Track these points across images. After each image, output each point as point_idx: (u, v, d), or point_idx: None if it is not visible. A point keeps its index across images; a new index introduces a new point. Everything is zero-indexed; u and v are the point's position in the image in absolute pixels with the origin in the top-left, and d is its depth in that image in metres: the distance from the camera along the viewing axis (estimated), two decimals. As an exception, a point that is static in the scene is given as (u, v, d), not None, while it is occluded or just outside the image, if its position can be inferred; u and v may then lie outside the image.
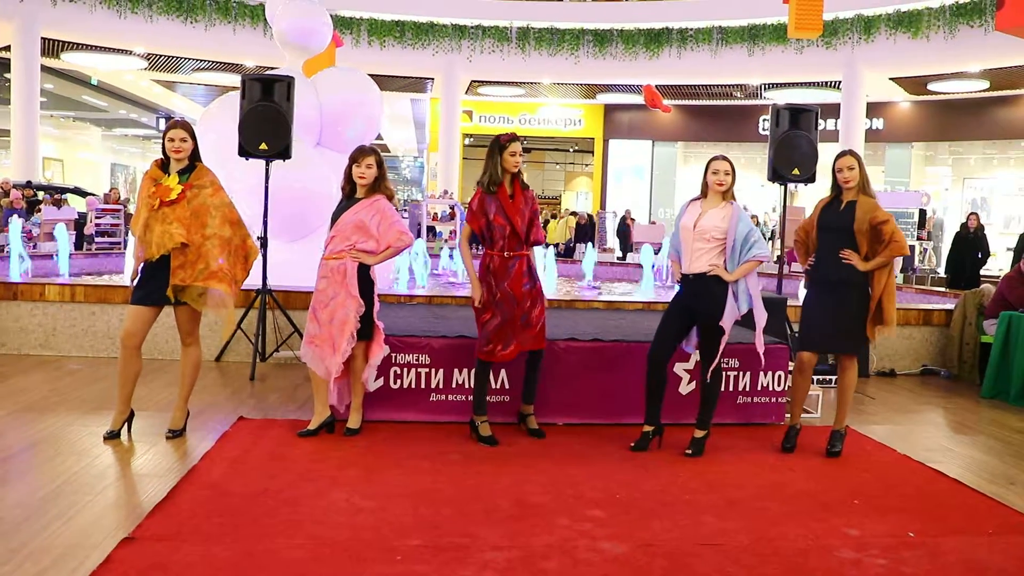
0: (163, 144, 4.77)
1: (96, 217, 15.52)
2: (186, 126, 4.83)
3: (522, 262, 4.92)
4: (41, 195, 16.13)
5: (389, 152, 32.56)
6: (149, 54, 19.79)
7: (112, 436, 4.76)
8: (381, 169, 5.01)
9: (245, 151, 7.01)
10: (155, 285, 4.64)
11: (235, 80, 15.05)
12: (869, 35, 16.73)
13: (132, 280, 4.80)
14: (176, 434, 4.88)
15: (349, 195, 5.05)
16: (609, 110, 25.42)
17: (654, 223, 21.94)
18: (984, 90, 20.08)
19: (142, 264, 4.69)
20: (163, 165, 4.79)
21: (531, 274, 4.96)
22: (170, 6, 16.98)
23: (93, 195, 18.63)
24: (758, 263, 4.75)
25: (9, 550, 3.26)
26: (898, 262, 5.31)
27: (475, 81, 21.58)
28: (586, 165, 28.49)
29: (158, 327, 5.08)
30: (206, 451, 4.60)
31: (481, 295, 4.90)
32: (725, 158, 4.92)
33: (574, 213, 22.05)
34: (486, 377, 5.10)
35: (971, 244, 13.38)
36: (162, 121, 25.59)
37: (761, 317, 4.83)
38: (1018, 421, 6.27)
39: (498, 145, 4.91)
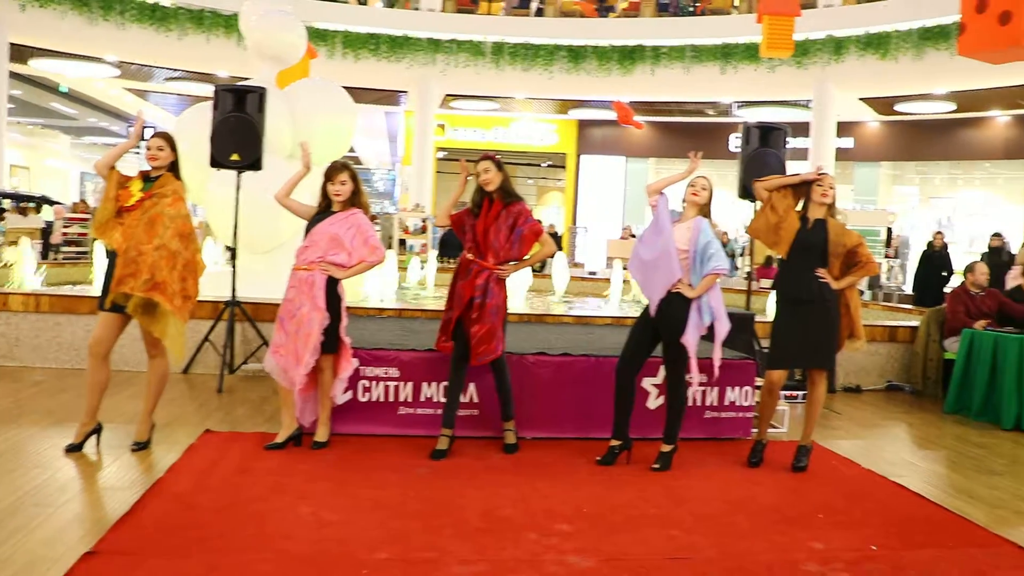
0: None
1: (64, 226, 15.34)
2: (166, 136, 4.80)
3: (479, 273, 4.93)
4: (7, 203, 15.91)
5: (362, 165, 32.49)
6: (121, 62, 19.60)
7: (74, 449, 4.67)
8: (356, 183, 5.04)
9: (216, 161, 6.99)
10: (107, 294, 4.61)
11: (208, 90, 14.99)
12: (839, 56, 16.95)
13: None
14: (141, 446, 4.82)
15: (325, 209, 5.06)
16: (582, 126, 25.51)
17: (625, 239, 22.04)
18: (950, 112, 20.41)
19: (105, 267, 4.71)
20: (145, 175, 4.77)
21: (486, 289, 4.91)
22: (143, 14, 16.82)
23: (61, 204, 18.42)
24: (716, 276, 4.79)
25: (-32, 563, 3.21)
26: (865, 279, 5.39)
27: (449, 95, 21.59)
28: (559, 180, 28.58)
29: (124, 338, 5.00)
30: (172, 464, 4.56)
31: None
32: (705, 176, 4.98)
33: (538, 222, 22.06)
34: (455, 387, 5.09)
35: (937, 262, 13.59)
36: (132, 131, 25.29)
37: (722, 330, 4.86)
38: (979, 436, 6.37)
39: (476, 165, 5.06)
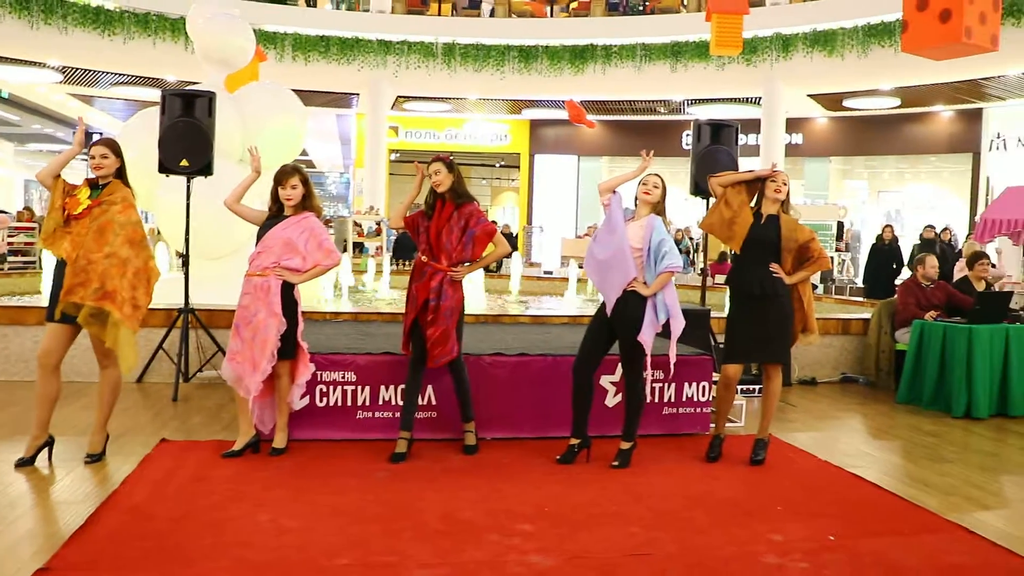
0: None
1: (8, 236, 15.00)
2: (109, 143, 4.69)
3: (434, 275, 4.92)
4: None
5: (315, 168, 32.21)
6: (64, 67, 19.23)
7: (24, 463, 4.55)
8: (307, 187, 5.00)
9: (165, 168, 6.88)
10: (55, 304, 4.49)
11: (155, 95, 14.73)
12: (787, 53, 17.19)
13: None
14: (95, 458, 4.73)
15: (276, 214, 5.01)
16: (535, 125, 25.58)
17: (580, 237, 22.13)
18: (896, 107, 20.81)
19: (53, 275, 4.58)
20: (92, 183, 4.66)
21: (440, 291, 4.90)
22: (86, 18, 16.49)
23: (5, 212, 18.01)
24: (671, 274, 4.83)
25: (-85, 584, 3.12)
26: (817, 273, 5.47)
27: (401, 97, 21.51)
28: (512, 180, 28.60)
29: (75, 348, 4.89)
30: (127, 475, 4.48)
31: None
32: (658, 174, 5.01)
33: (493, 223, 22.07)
34: (412, 389, 5.07)
35: (887, 255, 13.83)
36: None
37: (677, 326, 4.89)
38: (931, 424, 6.50)
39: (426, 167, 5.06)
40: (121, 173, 4.69)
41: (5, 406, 6.02)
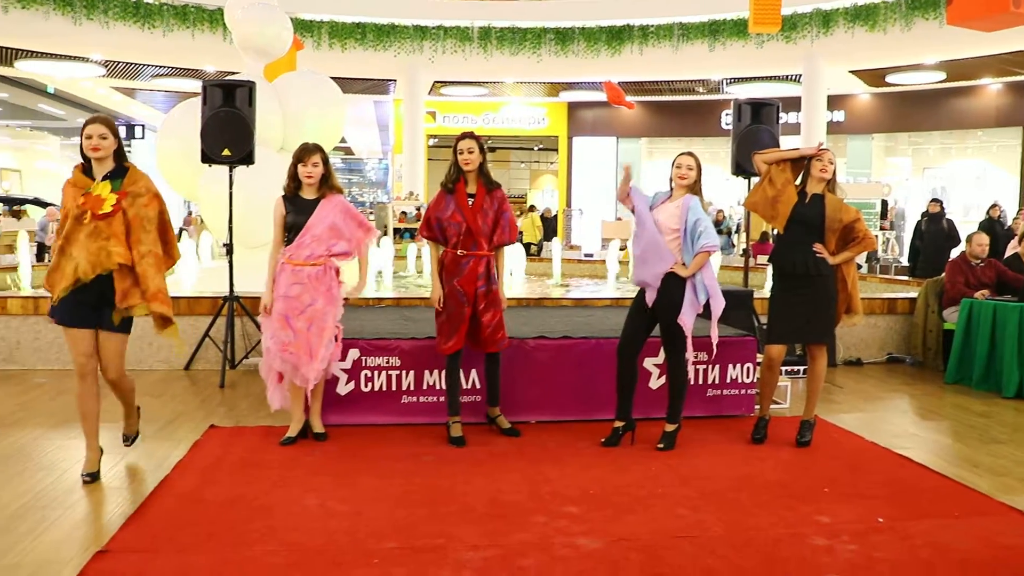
0: (81, 144, 4.14)
1: (57, 228, 15.28)
2: (106, 121, 4.16)
3: (478, 262, 4.91)
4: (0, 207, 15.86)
5: (353, 155, 32.41)
6: (107, 61, 19.52)
7: (94, 478, 4.25)
8: (327, 166, 4.94)
9: (208, 157, 6.97)
10: (87, 310, 4.12)
11: (196, 86, 14.88)
12: (828, 29, 16.90)
13: (52, 306, 4.16)
14: (131, 440, 4.71)
15: (293, 194, 4.94)
16: (573, 108, 25.47)
17: (620, 219, 22.04)
18: (941, 81, 20.39)
19: (68, 289, 4.03)
20: (86, 170, 4.18)
21: (488, 276, 4.93)
22: (127, 12, 16.72)
23: (53, 205, 18.36)
24: (708, 254, 4.79)
25: (-21, 567, 3.22)
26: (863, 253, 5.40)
27: (438, 82, 21.53)
28: (551, 163, 28.54)
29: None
30: (178, 460, 4.57)
31: (439, 296, 4.93)
32: (691, 154, 4.97)
33: (531, 208, 22.04)
34: (455, 376, 5.11)
35: (934, 231, 13.51)
36: (123, 129, 25.21)
37: (718, 307, 4.86)
38: (981, 405, 6.39)
39: (454, 145, 4.97)
40: (120, 155, 4.20)
41: (57, 395, 6.15)
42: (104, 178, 4.12)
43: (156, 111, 26.56)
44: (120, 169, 4.17)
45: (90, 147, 4.08)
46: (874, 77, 20.38)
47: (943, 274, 7.85)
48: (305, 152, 4.88)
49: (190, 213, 23.45)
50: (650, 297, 4.88)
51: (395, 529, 3.66)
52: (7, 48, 17.88)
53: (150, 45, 17.38)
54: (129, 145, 26.03)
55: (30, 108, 26.18)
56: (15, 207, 15.81)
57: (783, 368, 5.91)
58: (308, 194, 4.90)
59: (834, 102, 21.21)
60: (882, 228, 16.83)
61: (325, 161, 4.93)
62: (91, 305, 4.10)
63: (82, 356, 4.17)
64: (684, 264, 4.81)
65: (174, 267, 4.60)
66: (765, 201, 5.09)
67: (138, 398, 5.80)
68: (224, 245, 7.26)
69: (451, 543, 3.52)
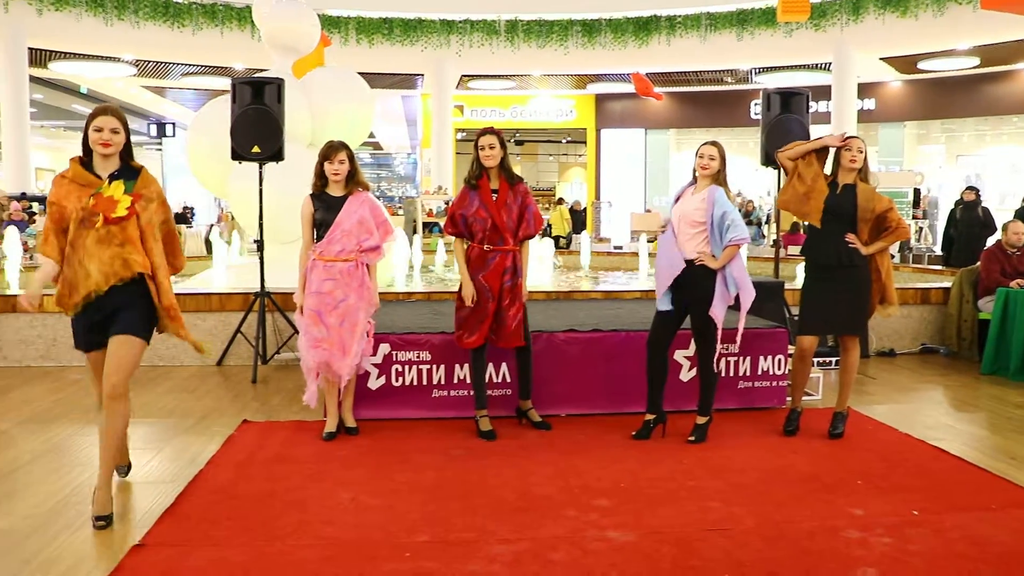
0: (85, 136, 3.68)
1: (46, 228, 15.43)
2: (118, 113, 3.71)
3: (504, 257, 4.92)
4: (35, 206, 16.09)
5: (382, 150, 32.51)
6: (137, 60, 19.73)
7: (108, 522, 3.63)
8: (353, 163, 4.97)
9: (238, 154, 7.02)
10: (100, 330, 3.76)
11: (225, 83, 14.96)
12: (858, 16, 16.69)
13: (31, 299, 3.75)
14: (125, 471, 4.20)
15: (321, 191, 4.96)
16: (600, 100, 25.37)
17: (649, 211, 21.94)
18: (975, 67, 20.06)
19: (79, 305, 3.68)
20: (86, 165, 3.72)
21: (514, 270, 4.94)
22: (156, 12, 16.90)
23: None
24: (737, 247, 4.77)
25: (21, 561, 3.28)
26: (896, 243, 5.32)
27: (465, 76, 21.54)
28: (579, 156, 28.46)
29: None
30: (212, 455, 4.62)
31: (472, 294, 4.93)
32: (714, 143, 4.92)
33: (560, 200, 21.98)
34: (481, 370, 5.12)
35: (967, 219, 13.26)
36: (153, 128, 25.48)
37: (747, 299, 4.83)
38: (1018, 396, 6.30)
39: (475, 140, 4.98)
40: (129, 152, 3.76)
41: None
42: (112, 177, 3.68)
43: (186, 109, 26.80)
44: (129, 169, 3.74)
45: (100, 141, 3.63)
46: (906, 64, 20.09)
47: (978, 263, 7.73)
48: (331, 149, 4.91)
49: (222, 210, 23.68)
50: (673, 299, 4.92)
51: (427, 523, 3.68)
52: (41, 50, 18.12)
53: (180, 44, 17.56)
54: (159, 143, 26.33)
55: (64, 109, 26.51)
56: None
57: (815, 359, 5.86)
58: (335, 191, 4.93)
59: (865, 90, 20.95)
60: (915, 217, 16.60)
61: (351, 158, 4.96)
62: (99, 323, 3.72)
63: (100, 384, 3.80)
64: (714, 256, 4.78)
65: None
66: (796, 198, 5.04)
67: (172, 393, 5.88)
68: (255, 241, 7.32)
69: (482, 537, 3.53)
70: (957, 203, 13.65)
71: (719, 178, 4.86)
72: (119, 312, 3.69)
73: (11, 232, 10.43)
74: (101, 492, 3.68)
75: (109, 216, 3.60)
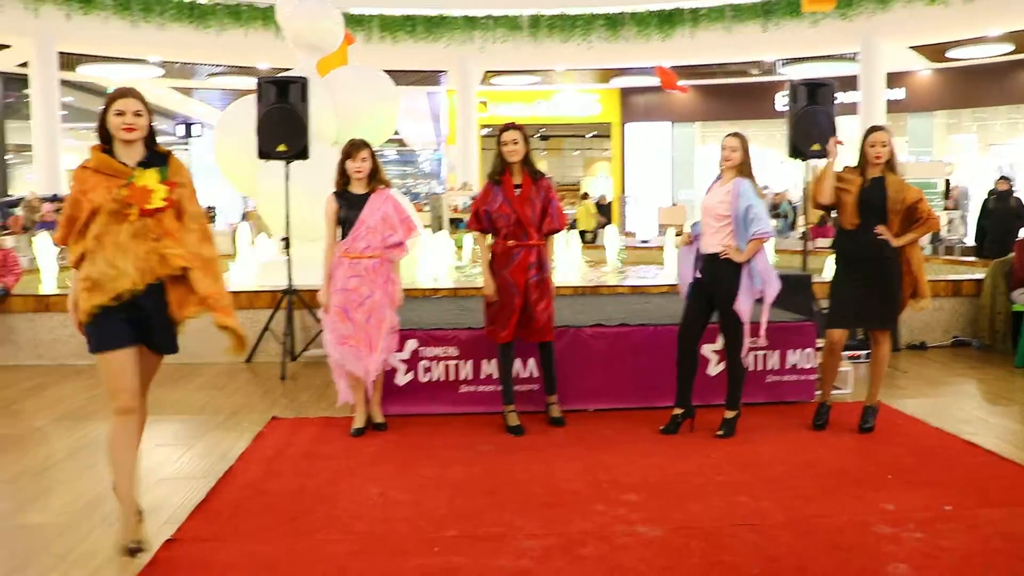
0: (103, 119, 3.30)
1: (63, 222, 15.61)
2: (139, 95, 3.33)
3: (529, 252, 4.92)
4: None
5: (407, 147, 32.59)
6: (164, 62, 19.93)
7: (140, 547, 3.29)
8: (375, 161, 4.99)
9: (264, 153, 7.07)
10: (129, 327, 3.31)
11: (250, 83, 15.13)
12: (885, 4, 16.48)
13: (83, 323, 3.31)
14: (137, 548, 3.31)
15: (343, 189, 4.99)
16: (625, 94, 25.27)
17: (676, 205, 21.83)
18: (1007, 53, 19.73)
19: (103, 305, 3.23)
20: (108, 153, 3.32)
21: (539, 265, 4.95)
22: (182, 13, 17.07)
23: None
24: (761, 241, 4.73)
25: (56, 556, 3.33)
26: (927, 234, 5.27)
27: (489, 71, 21.54)
28: (604, 150, 28.36)
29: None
30: (242, 452, 4.66)
31: (493, 290, 4.95)
32: (736, 134, 4.89)
33: (585, 195, 21.92)
34: (508, 366, 5.13)
35: (1002, 210, 13.04)
36: (181, 128, 25.70)
37: (771, 292, 4.80)
38: (1053, 388, 6.22)
39: (498, 136, 4.97)
40: (152, 137, 3.39)
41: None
42: (143, 165, 3.32)
43: (213, 109, 27.02)
44: (157, 155, 3.37)
45: (122, 125, 3.25)
46: (935, 52, 19.81)
47: (1011, 254, 7.62)
48: (353, 148, 4.95)
49: (249, 209, 23.84)
50: (684, 288, 5.01)
51: (455, 517, 3.69)
52: (70, 53, 18.35)
53: (205, 44, 17.71)
54: (187, 143, 26.56)
55: (93, 111, 26.83)
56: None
57: (845, 353, 5.80)
58: (358, 189, 4.96)
59: (893, 79, 20.67)
60: (945, 208, 16.39)
61: (373, 156, 4.99)
62: (134, 321, 3.30)
63: (125, 392, 3.33)
64: (739, 250, 4.75)
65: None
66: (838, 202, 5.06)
67: (202, 390, 5.94)
68: (282, 239, 7.37)
69: (511, 531, 3.54)
70: (990, 193, 13.44)
71: (743, 170, 4.83)
72: (156, 321, 3.34)
73: (42, 234, 10.55)
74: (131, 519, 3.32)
75: (144, 208, 3.25)
